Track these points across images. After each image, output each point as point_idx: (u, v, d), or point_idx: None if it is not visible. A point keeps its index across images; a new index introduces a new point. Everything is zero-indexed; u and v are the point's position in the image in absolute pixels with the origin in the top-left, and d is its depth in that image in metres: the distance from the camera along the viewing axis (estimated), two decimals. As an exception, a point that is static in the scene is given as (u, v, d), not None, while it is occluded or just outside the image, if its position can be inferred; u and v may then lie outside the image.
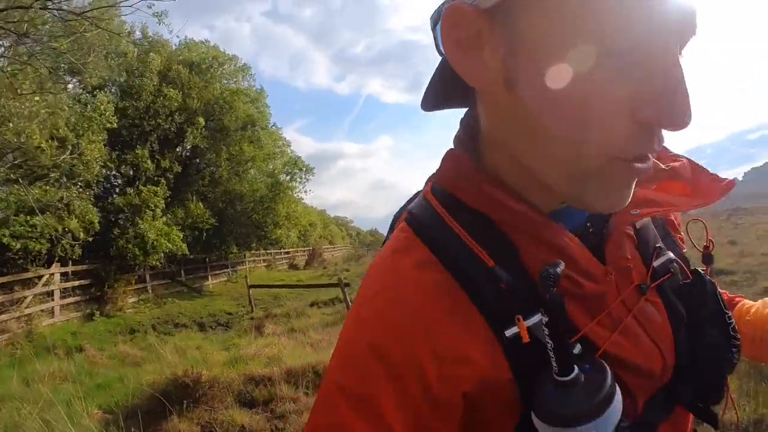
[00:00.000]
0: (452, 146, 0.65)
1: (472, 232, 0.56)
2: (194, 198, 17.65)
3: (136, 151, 14.03)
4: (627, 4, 0.42)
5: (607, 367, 0.51)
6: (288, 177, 23.74)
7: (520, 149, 0.53)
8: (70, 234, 10.35)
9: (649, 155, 0.49)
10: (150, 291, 15.17)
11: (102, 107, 11.48)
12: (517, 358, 0.53)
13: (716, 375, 0.63)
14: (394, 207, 0.76)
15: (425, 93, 0.64)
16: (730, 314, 0.65)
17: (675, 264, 0.64)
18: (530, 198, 0.57)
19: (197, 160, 18.82)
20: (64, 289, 11.83)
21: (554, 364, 0.50)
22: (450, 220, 0.58)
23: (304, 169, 24.37)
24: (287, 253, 29.59)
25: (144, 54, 14.84)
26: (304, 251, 32.74)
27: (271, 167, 22.58)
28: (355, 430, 0.49)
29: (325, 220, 54.34)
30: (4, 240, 8.81)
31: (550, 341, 0.50)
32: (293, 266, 28.46)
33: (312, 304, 12.17)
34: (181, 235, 14.80)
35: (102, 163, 10.35)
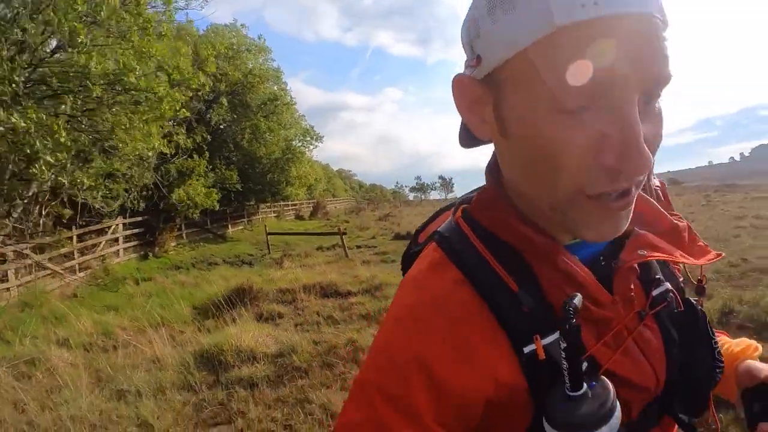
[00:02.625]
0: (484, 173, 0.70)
1: (498, 258, 0.61)
2: (222, 162, 20.61)
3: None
4: (580, 65, 0.47)
5: (610, 385, 0.57)
6: (300, 144, 27.17)
7: (522, 185, 0.60)
8: (134, 192, 13.32)
9: (631, 189, 0.53)
10: (185, 237, 18.56)
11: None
12: (533, 372, 0.58)
13: (703, 390, 0.69)
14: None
15: (459, 134, 0.71)
16: (716, 340, 0.71)
17: (671, 294, 0.69)
18: (548, 231, 0.62)
19: (223, 129, 21.67)
20: (126, 236, 15.11)
21: (567, 381, 0.55)
22: (480, 247, 0.63)
23: (314, 137, 28.04)
24: (294, 205, 32.33)
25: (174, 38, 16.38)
26: (309, 203, 35.62)
27: (285, 134, 25.51)
28: (394, 426, 0.54)
29: (328, 174, 56.70)
30: (96, 203, 11.41)
31: (565, 362, 0.54)
32: (299, 217, 31.49)
33: (318, 248, 15.01)
34: (218, 195, 17.72)
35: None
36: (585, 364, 0.57)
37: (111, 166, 10.93)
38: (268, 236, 16.32)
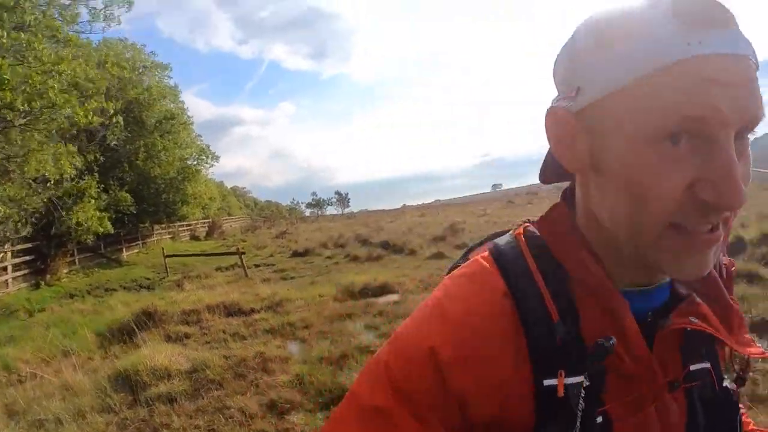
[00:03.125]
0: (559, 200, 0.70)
1: (547, 282, 0.59)
2: (116, 183, 19.98)
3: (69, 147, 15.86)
4: (684, 101, 0.48)
5: None
6: (196, 162, 27.08)
7: (606, 221, 0.58)
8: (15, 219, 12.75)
9: (719, 226, 0.54)
10: (78, 263, 17.83)
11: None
12: (544, 408, 0.56)
13: None
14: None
15: (542, 169, 0.72)
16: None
17: (708, 374, 0.65)
18: (608, 269, 0.61)
19: (117, 149, 20.90)
20: (15, 264, 14.34)
21: (578, 425, 0.54)
22: (533, 266, 0.61)
23: (210, 156, 28.21)
24: (189, 225, 31.68)
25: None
26: (205, 223, 34.89)
27: (182, 154, 25.27)
28: (395, 414, 0.55)
29: (223, 192, 55.79)
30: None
31: (582, 404, 0.54)
32: (195, 237, 30.88)
33: (217, 269, 15.12)
34: (112, 217, 17.23)
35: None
36: (600, 419, 0.57)
37: (5, 191, 10.59)
38: (166, 259, 16.20)
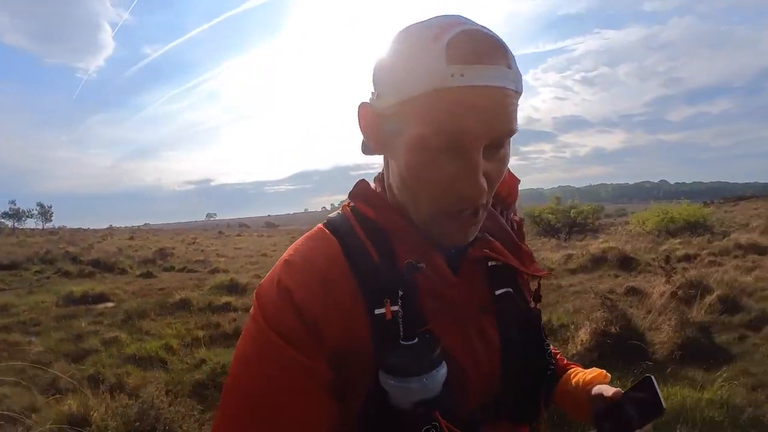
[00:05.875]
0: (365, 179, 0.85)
1: (369, 237, 0.74)
2: None
3: None
4: (444, 120, 0.62)
5: (439, 342, 0.68)
6: None
7: (399, 195, 0.74)
8: None
9: (479, 211, 0.70)
10: None
11: None
12: (378, 331, 0.67)
13: (533, 387, 0.80)
14: None
15: (361, 146, 0.84)
16: (548, 342, 0.84)
17: (511, 297, 0.80)
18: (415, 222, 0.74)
19: None
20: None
21: (401, 330, 0.65)
22: (356, 226, 0.76)
23: None
24: None
25: None
26: None
27: None
28: (279, 348, 0.66)
29: None
30: None
31: (401, 310, 0.66)
32: None
33: None
34: None
35: None
36: (425, 332, 0.69)
37: None
38: None
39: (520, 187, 0.91)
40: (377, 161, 0.82)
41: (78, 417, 3.56)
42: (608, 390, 0.80)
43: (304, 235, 0.79)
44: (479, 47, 0.62)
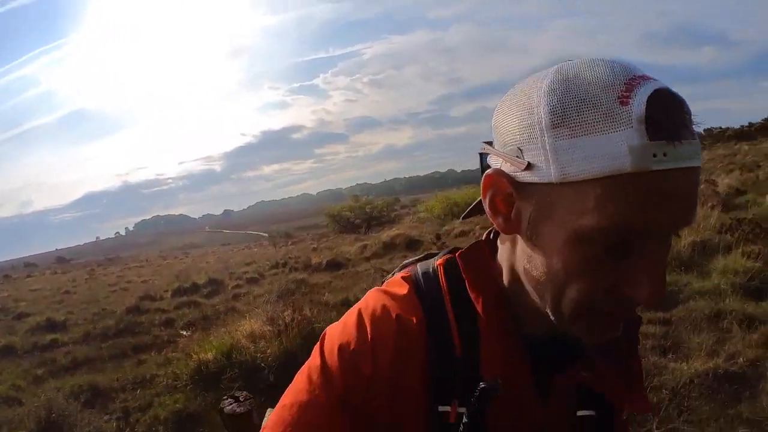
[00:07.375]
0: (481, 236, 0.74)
1: (458, 317, 0.65)
2: None
3: None
4: (632, 216, 0.47)
5: None
6: None
7: (528, 283, 0.60)
8: None
9: (633, 312, 0.59)
10: None
11: None
12: (435, 428, 0.62)
13: None
14: None
15: (468, 211, 0.74)
16: None
17: (592, 421, 0.69)
18: (518, 313, 0.65)
19: None
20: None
21: None
22: (447, 301, 0.66)
23: None
24: None
25: None
26: None
27: None
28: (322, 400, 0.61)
29: None
30: None
31: (466, 417, 0.61)
32: None
33: None
34: None
35: None
36: None
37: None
38: None
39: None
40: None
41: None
42: None
43: (392, 286, 0.72)
44: (678, 117, 0.48)
